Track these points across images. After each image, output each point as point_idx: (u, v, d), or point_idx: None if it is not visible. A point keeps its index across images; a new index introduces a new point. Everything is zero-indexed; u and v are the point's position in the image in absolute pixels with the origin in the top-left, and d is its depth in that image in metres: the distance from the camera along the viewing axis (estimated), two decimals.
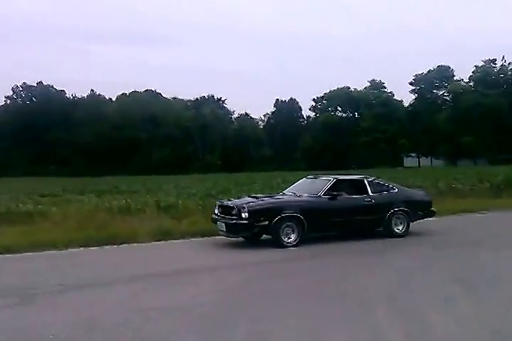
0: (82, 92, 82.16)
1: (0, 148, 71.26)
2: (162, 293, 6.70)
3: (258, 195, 11.12)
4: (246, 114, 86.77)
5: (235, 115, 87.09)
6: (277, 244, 9.56)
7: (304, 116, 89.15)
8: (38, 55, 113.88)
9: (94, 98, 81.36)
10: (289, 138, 79.53)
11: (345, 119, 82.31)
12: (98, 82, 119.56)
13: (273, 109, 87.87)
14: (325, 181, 10.76)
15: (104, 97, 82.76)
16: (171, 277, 7.65)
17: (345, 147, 75.26)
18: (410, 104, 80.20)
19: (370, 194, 10.69)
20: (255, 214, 9.53)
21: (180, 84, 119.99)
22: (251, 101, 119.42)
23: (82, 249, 9.98)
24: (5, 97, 79.37)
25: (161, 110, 75.15)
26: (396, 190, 11.16)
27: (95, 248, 10.07)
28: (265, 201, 10.18)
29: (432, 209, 11.56)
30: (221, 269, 8.27)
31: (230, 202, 10.38)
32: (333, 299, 6.16)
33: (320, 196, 10.24)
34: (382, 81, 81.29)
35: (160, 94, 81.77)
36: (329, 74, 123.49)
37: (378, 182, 11.14)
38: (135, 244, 10.34)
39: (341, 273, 7.74)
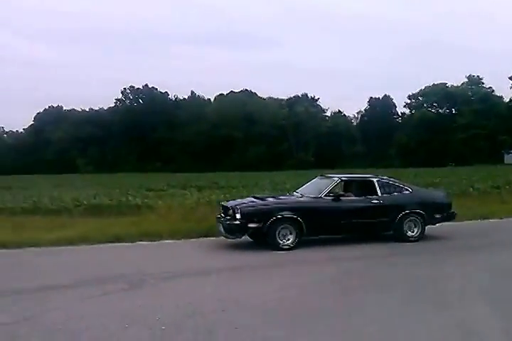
0: (184, 94, 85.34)
1: (111, 146, 76.00)
2: (254, 283, 6.84)
3: (262, 196, 10.65)
4: (339, 111, 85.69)
5: (328, 113, 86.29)
6: (273, 246, 9.05)
7: (399, 113, 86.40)
8: (143, 60, 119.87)
9: (195, 99, 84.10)
10: (382, 135, 77.33)
11: (441, 116, 78.56)
12: (198, 83, 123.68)
13: (366, 107, 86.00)
14: (329, 181, 10.09)
15: (204, 98, 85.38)
16: (262, 269, 7.82)
17: (441, 144, 71.84)
18: (511, 100, 74.89)
19: (379, 195, 9.86)
20: (248, 215, 9.12)
21: (275, 84, 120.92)
22: (344, 99, 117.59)
23: (184, 239, 10.42)
24: (115, 100, 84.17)
25: (256, 109, 76.10)
26: (410, 190, 10.23)
27: (196, 239, 10.46)
28: (260, 202, 9.69)
29: (452, 211, 10.48)
30: (309, 263, 8.28)
31: (227, 203, 10.06)
32: (422, 296, 5.95)
33: (321, 197, 9.59)
34: (480, 76, 76.75)
35: (255, 93, 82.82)
36: (424, 71, 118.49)
37: (390, 183, 10.23)
38: None
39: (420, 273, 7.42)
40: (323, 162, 67.33)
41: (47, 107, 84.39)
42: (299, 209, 9.28)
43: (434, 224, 10.32)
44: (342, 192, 9.99)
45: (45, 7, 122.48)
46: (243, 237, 9.54)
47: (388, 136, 76.55)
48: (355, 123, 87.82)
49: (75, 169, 68.35)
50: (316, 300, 5.98)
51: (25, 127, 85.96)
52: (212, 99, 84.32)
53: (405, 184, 10.68)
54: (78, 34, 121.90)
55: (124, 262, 8.42)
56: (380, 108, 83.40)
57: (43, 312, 5.56)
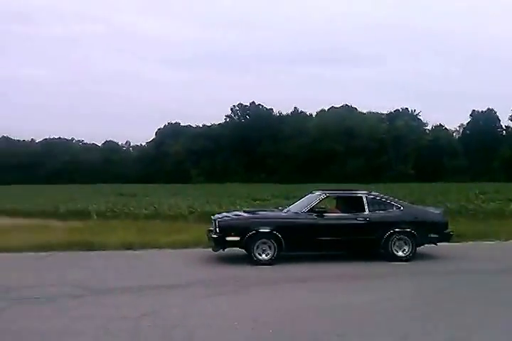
0: (287, 109, 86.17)
1: (221, 158, 78.57)
2: (355, 294, 6.64)
3: (251, 209, 10.07)
4: (440, 125, 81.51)
5: (429, 126, 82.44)
6: (251, 260, 8.63)
7: (503, 126, 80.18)
8: (251, 79, 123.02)
9: (297, 114, 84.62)
10: (485, 149, 72.20)
11: None
12: (301, 99, 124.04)
13: (469, 120, 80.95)
14: (315, 197, 9.42)
15: (306, 113, 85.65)
16: (363, 280, 7.57)
17: None
18: None
19: (367, 212, 9.07)
20: (225, 229, 8.78)
21: (375, 99, 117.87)
22: (446, 112, 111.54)
23: None
24: (225, 116, 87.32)
25: (356, 123, 74.78)
26: (401, 208, 9.29)
27: None
28: (241, 216, 9.34)
29: (448, 231, 9.39)
30: (407, 275, 7.88)
31: (214, 216, 9.62)
32: None
33: (303, 212, 9.01)
34: None
35: (355, 108, 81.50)
36: None
37: (379, 199, 9.36)
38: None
39: None
40: (423, 175, 64.40)
41: (166, 123, 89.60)
42: (278, 225, 8.80)
43: (437, 243, 9.38)
44: (324, 208, 9.28)
45: (162, 35, 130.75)
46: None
47: (491, 150, 71.35)
48: (457, 137, 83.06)
49: (188, 179, 71.53)
50: (408, 311, 5.68)
51: (148, 141, 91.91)
52: (313, 114, 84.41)
53: (398, 201, 9.66)
54: (193, 57, 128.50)
55: (233, 265, 8.61)
56: (484, 121, 78.12)
57: (162, 308, 5.83)
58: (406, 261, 8.88)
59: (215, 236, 8.86)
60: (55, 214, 18.31)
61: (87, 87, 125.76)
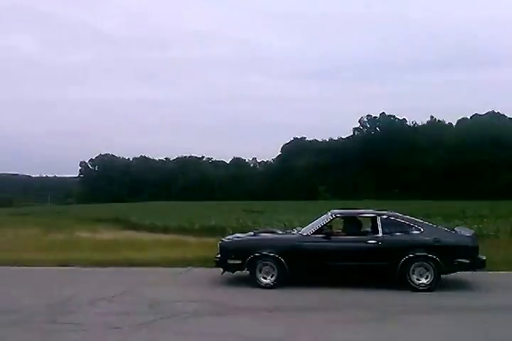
0: (423, 119, 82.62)
1: (349, 173, 77.42)
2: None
3: (259, 231, 9.71)
4: None
5: None
6: (254, 283, 8.42)
7: None
8: (378, 90, 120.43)
9: (434, 124, 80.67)
10: None
11: None
12: (437, 108, 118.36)
13: None
14: (324, 217, 9.01)
15: (444, 122, 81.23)
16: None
17: None
18: None
19: (380, 234, 8.33)
20: (227, 251, 8.78)
21: None
22: None
23: None
24: (353, 129, 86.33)
25: (505, 131, 68.76)
26: (421, 230, 8.37)
27: None
28: (239, 239, 9.19)
29: (480, 257, 8.29)
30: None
31: (223, 238, 9.54)
32: None
33: (308, 235, 8.59)
34: None
35: (503, 115, 75.30)
36: None
37: (396, 221, 8.53)
38: (490, 272, 9.36)
39: None
40: None
41: (292, 138, 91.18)
42: (279, 248, 8.53)
43: (471, 270, 8.40)
44: (330, 230, 8.90)
45: (286, 50, 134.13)
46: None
47: None
48: None
49: (315, 195, 71.60)
50: None
51: (274, 157, 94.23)
52: (453, 123, 79.74)
53: (418, 222, 8.62)
54: (318, 71, 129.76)
55: (367, 290, 8.24)
56: None
57: (297, 332, 5.85)
58: (428, 290, 8.03)
59: (216, 258, 8.98)
60: (190, 230, 19.50)
61: (214, 105, 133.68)
